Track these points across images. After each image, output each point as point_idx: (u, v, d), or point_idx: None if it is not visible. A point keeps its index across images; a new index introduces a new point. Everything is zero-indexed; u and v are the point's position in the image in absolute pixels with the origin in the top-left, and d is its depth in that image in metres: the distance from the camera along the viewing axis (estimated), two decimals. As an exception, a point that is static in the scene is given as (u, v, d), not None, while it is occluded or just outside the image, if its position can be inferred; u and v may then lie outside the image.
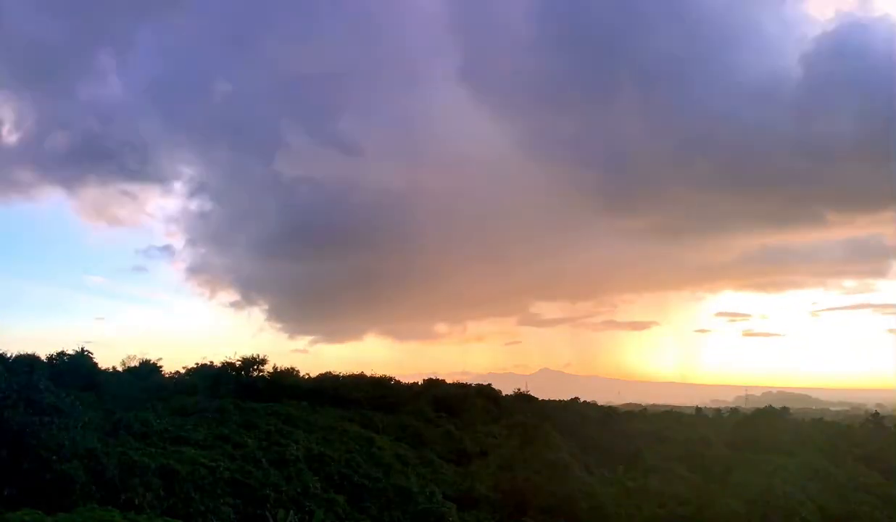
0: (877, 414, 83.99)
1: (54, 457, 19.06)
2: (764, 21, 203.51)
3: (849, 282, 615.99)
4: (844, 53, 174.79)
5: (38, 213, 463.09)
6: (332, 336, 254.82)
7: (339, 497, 26.93)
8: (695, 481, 43.71)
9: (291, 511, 23.08)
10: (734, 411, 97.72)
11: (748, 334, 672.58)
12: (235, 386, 44.93)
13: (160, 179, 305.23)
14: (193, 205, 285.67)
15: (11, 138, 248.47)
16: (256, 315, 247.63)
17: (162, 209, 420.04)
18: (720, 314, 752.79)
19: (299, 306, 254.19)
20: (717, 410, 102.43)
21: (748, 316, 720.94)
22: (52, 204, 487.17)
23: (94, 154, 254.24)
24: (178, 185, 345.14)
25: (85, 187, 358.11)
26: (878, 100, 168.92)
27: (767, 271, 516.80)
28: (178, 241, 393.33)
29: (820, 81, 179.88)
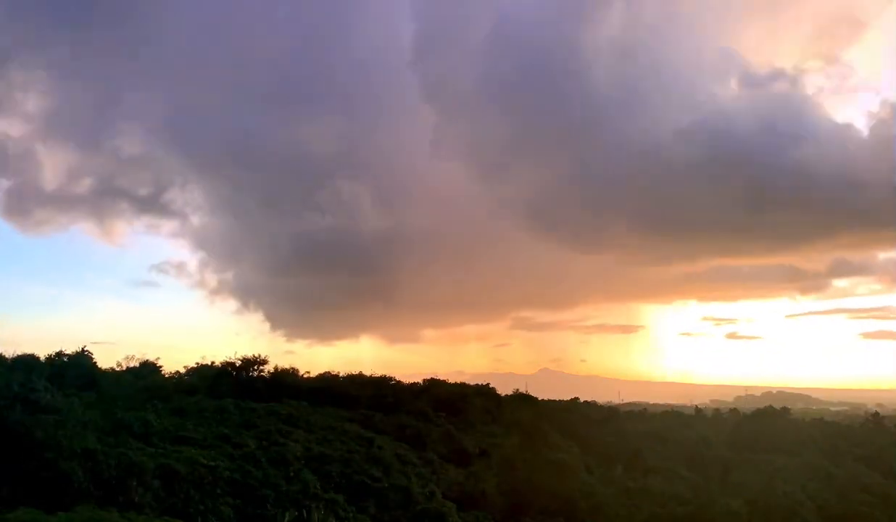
0: (877, 414, 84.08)
1: (53, 457, 19.04)
2: (648, 98, 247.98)
3: (799, 296, 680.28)
4: (711, 132, 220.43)
5: (69, 243, 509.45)
6: (327, 340, 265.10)
7: (339, 497, 26.88)
8: (695, 481, 43.76)
9: (291, 511, 23.06)
10: (734, 411, 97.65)
11: (732, 337, 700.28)
12: (235, 386, 44.90)
13: (178, 214, 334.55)
14: (203, 232, 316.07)
15: (50, 185, 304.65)
16: (256, 322, 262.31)
17: (177, 236, 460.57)
18: (706, 318, 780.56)
19: (296, 315, 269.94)
20: (717, 410, 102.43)
21: (734, 320, 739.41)
22: (79, 234, 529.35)
23: (118, 194, 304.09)
24: (194, 219, 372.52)
25: (112, 222, 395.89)
26: (744, 170, 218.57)
27: (726, 287, 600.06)
28: (190, 261, 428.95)
29: (694, 154, 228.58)
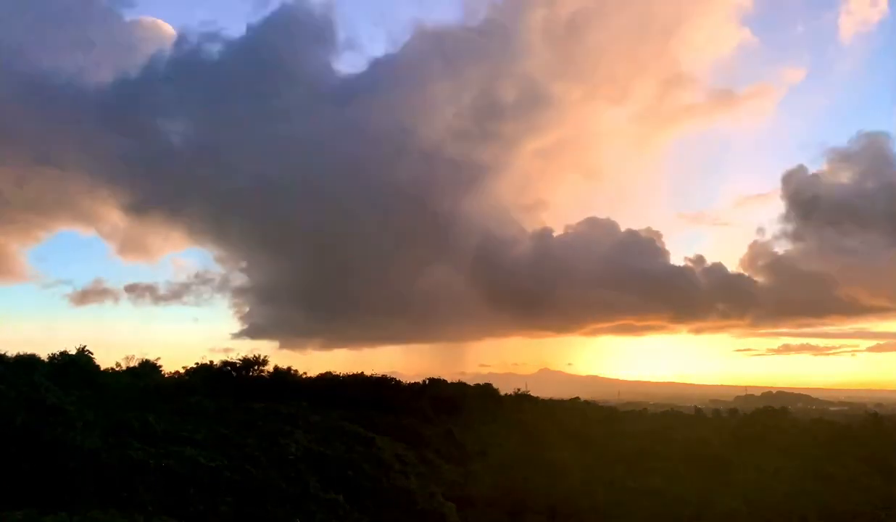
0: (877, 414, 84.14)
1: (57, 457, 19.08)
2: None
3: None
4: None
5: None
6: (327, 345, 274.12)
7: (339, 497, 26.90)
8: (695, 481, 43.72)
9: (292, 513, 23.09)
10: (734, 411, 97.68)
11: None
12: (235, 386, 44.96)
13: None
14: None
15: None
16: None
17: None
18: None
19: (296, 321, 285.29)
20: (717, 410, 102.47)
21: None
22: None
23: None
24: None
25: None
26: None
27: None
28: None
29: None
